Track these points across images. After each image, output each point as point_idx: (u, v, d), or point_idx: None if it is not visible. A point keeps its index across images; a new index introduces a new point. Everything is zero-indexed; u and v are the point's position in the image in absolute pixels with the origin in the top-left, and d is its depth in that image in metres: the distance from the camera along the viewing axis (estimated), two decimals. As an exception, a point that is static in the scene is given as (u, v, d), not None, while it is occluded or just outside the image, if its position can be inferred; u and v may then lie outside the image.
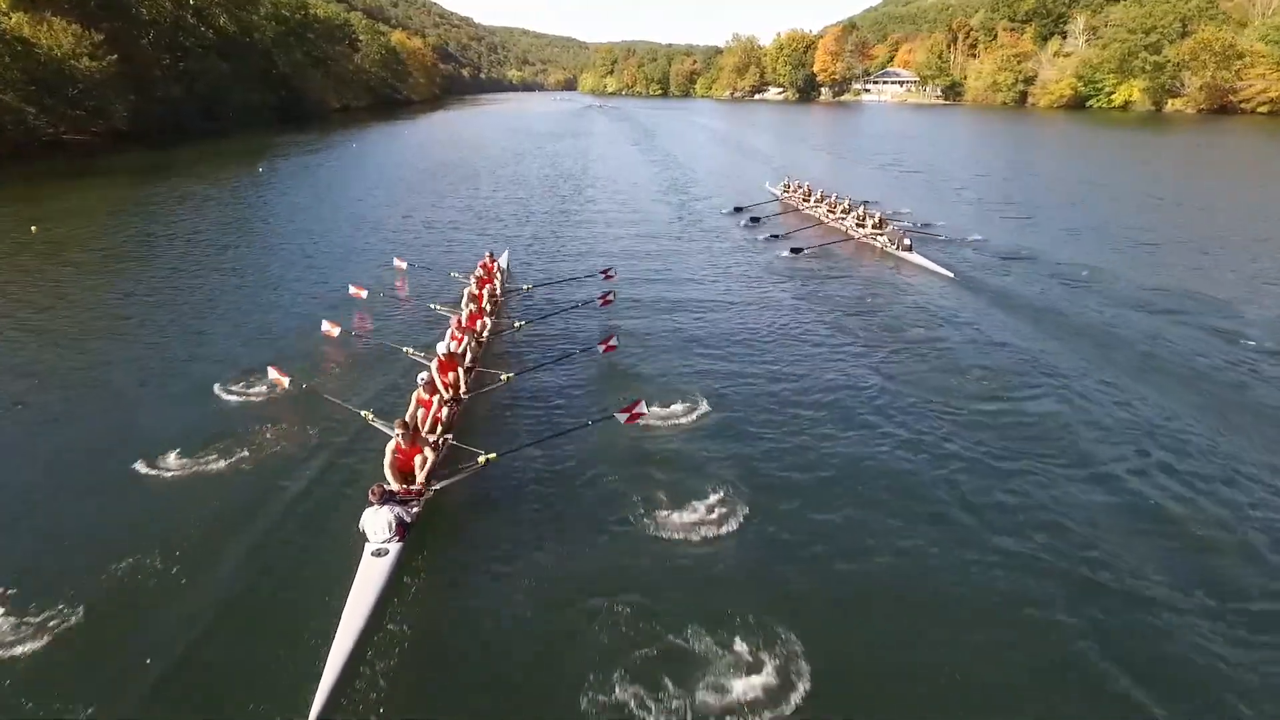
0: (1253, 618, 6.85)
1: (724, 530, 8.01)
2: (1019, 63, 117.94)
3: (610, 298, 15.39)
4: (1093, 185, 35.88)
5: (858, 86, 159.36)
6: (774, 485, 8.94)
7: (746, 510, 8.31)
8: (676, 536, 7.92)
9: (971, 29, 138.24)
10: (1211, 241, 22.65)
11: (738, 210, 27.24)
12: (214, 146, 55.37)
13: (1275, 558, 7.66)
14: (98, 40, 52.92)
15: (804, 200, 27.11)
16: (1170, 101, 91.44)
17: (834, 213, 24.24)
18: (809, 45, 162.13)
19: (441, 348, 11.05)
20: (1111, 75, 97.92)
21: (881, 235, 20.84)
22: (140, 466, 9.22)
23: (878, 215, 22.05)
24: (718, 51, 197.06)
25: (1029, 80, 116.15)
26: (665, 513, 8.25)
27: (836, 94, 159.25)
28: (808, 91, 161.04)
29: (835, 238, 22.19)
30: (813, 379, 12.15)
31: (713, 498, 8.48)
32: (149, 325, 15.02)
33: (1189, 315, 15.24)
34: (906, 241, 19.79)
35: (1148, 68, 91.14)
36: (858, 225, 22.23)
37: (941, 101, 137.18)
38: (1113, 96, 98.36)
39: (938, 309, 15.78)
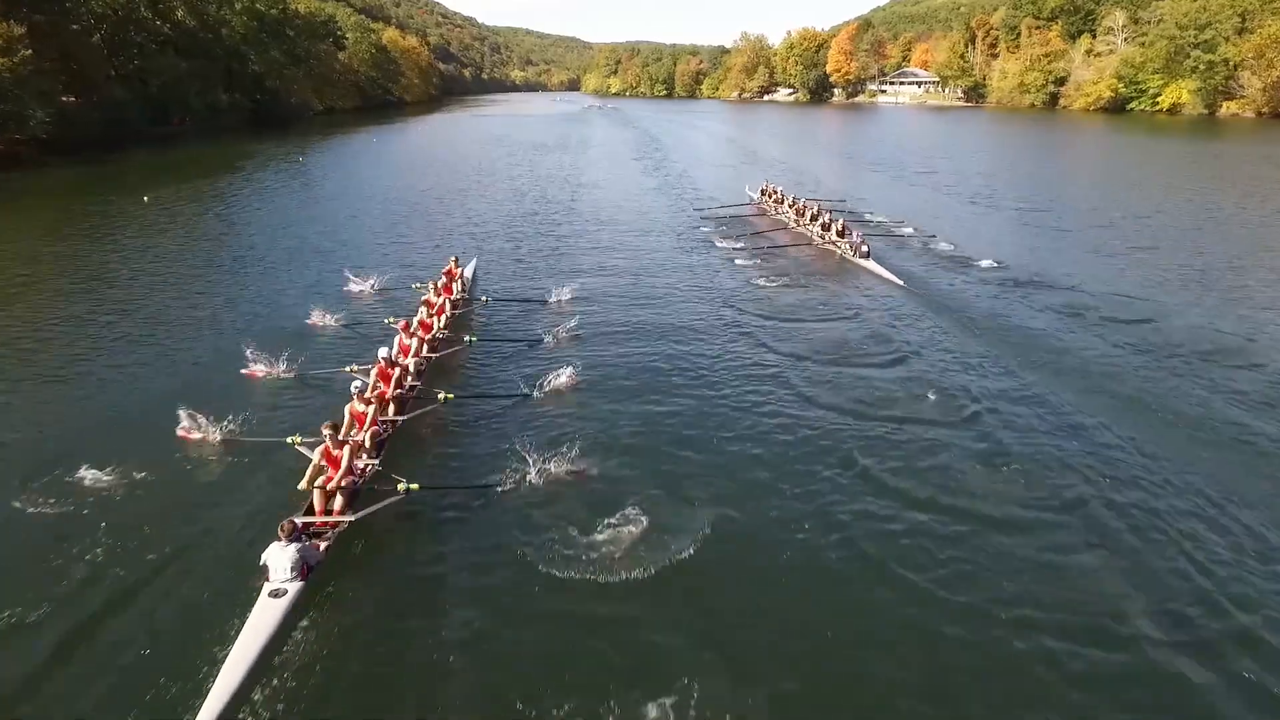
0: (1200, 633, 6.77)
1: (650, 572, 7.56)
2: (1049, 62, 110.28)
3: (573, 324, 14.70)
4: (1136, 199, 32.43)
5: (873, 88, 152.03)
6: (712, 519, 8.53)
7: (675, 543, 8.03)
8: (606, 585, 7.41)
9: (992, 27, 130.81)
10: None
11: (703, 213, 27.84)
12: (144, 158, 48.38)
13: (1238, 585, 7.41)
14: (17, 34, 45.50)
15: (776, 205, 27.49)
16: (1225, 104, 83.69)
17: (801, 218, 24.62)
18: (821, 44, 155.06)
19: (383, 352, 10.85)
20: (1156, 76, 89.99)
21: (842, 242, 21.09)
22: (25, 505, 8.64)
23: (840, 222, 22.15)
24: (724, 51, 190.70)
25: (1060, 81, 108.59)
26: (595, 559, 7.75)
27: (850, 95, 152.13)
28: (820, 93, 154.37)
29: (798, 243, 23.00)
30: (747, 397, 11.88)
31: (639, 540, 8.04)
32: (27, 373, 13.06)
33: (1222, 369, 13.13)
34: (865, 249, 20.15)
35: (1200, 67, 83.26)
36: (821, 232, 22.53)
37: (963, 103, 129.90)
38: (1158, 99, 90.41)
39: (880, 317, 15.79)
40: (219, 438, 10.07)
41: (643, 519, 8.27)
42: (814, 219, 23.51)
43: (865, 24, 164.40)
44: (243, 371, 12.34)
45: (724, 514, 8.60)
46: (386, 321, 14.23)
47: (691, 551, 7.89)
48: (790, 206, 26.22)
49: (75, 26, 56.42)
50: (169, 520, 8.41)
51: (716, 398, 11.87)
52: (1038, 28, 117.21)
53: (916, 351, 13.66)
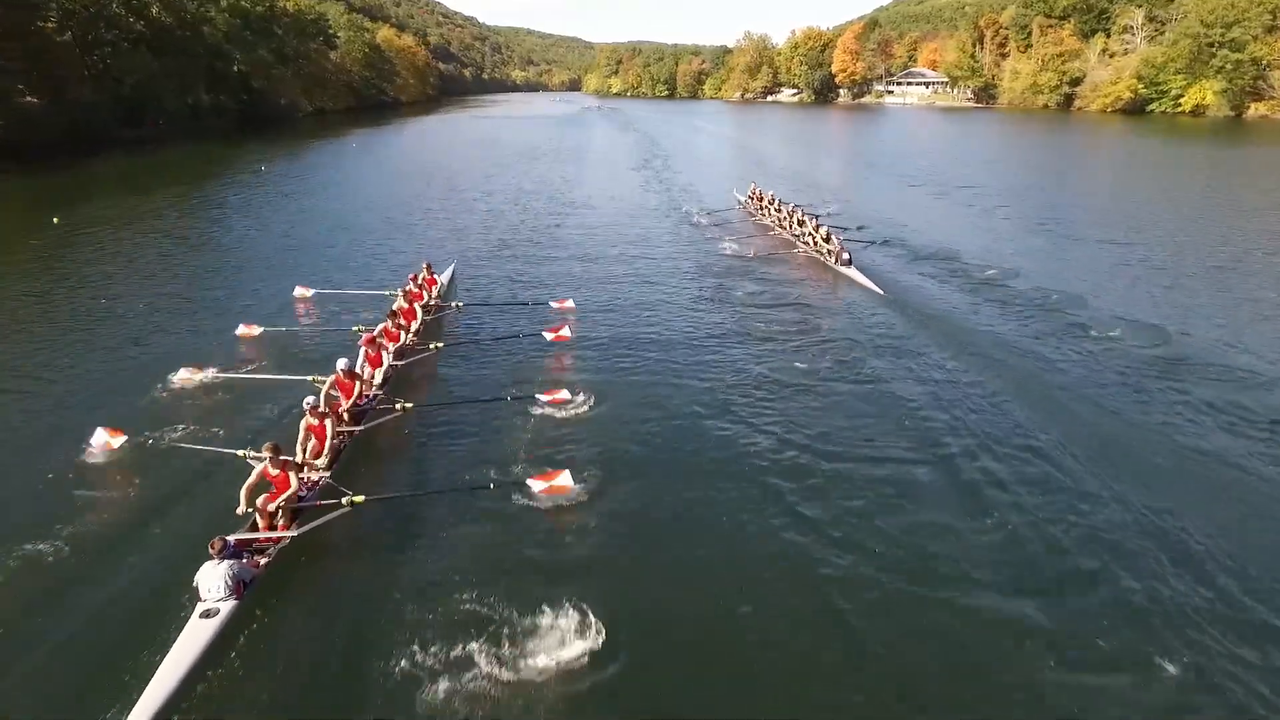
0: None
1: (600, 589, 7.31)
2: (1063, 62, 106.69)
3: (563, 332, 14.13)
4: (1162, 208, 30.57)
5: (879, 88, 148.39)
6: (665, 534, 8.41)
7: (627, 557, 7.92)
8: (554, 601, 7.09)
9: (1001, 26, 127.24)
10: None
11: (689, 218, 27.53)
12: (102, 166, 44.79)
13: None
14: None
15: (762, 209, 27.00)
16: (1253, 105, 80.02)
17: (787, 223, 24.17)
18: (826, 44, 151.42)
19: (342, 363, 10.45)
20: (1179, 76, 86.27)
21: (825, 248, 20.69)
22: None
23: (824, 228, 21.58)
24: (727, 51, 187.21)
25: (1075, 81, 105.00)
26: (545, 574, 7.55)
27: (856, 96, 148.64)
28: (824, 93, 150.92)
29: (783, 248, 22.59)
30: (711, 413, 11.38)
31: (590, 553, 7.91)
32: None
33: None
34: (846, 256, 19.69)
35: (1226, 67, 79.55)
36: (805, 237, 22.21)
37: (973, 104, 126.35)
38: (1180, 100, 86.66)
39: (854, 328, 15.49)
40: (168, 447, 9.84)
41: (594, 532, 8.15)
42: (799, 224, 23.08)
43: (871, 23, 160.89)
44: (189, 377, 11.94)
45: (680, 529, 8.48)
46: (353, 329, 13.64)
47: (645, 568, 7.77)
48: (776, 210, 25.62)
49: (43, 24, 53.17)
50: (108, 535, 8.20)
51: (681, 410, 11.45)
52: (1049, 27, 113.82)
53: (884, 365, 13.30)
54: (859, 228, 24.81)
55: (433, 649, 6.57)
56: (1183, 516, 8.60)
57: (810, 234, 21.78)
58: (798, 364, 13.26)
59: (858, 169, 47.79)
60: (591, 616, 6.90)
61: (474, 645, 6.60)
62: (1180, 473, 9.67)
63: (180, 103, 64.13)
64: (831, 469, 9.68)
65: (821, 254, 20.73)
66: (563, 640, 6.65)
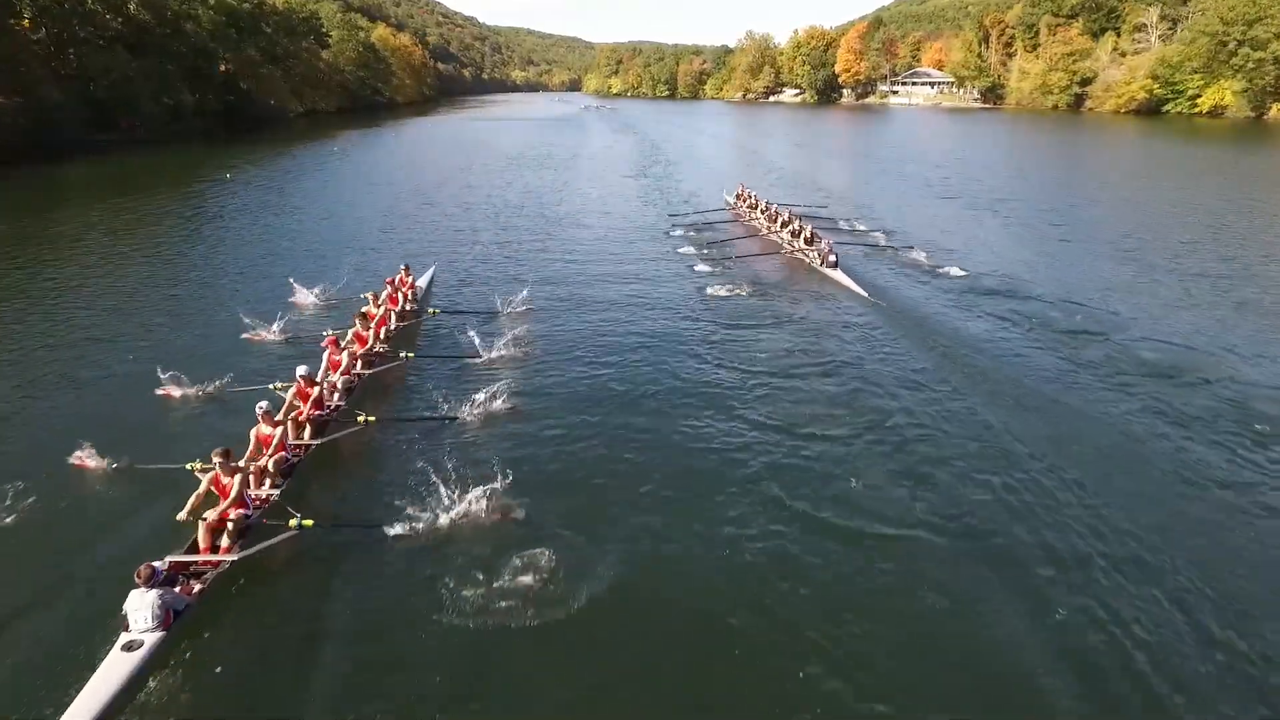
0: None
1: (556, 621, 6.89)
2: (1073, 62, 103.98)
3: (531, 347, 13.73)
4: (1175, 210, 29.28)
5: (884, 88, 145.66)
6: (628, 562, 7.83)
7: (585, 589, 7.31)
8: (504, 636, 6.74)
9: (1007, 26, 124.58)
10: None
11: (675, 219, 26.95)
12: (55, 172, 42.28)
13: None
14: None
15: (749, 210, 26.63)
16: (1275, 106, 77.22)
17: (773, 225, 23.69)
18: (830, 44, 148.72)
19: (302, 370, 10.03)
20: (1196, 75, 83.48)
21: (810, 250, 20.27)
22: None
23: (809, 229, 21.22)
24: (728, 51, 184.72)
25: (1085, 81, 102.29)
26: (498, 609, 7.01)
27: (860, 96, 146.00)
28: (828, 93, 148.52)
29: (768, 250, 22.09)
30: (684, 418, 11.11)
31: (548, 587, 7.31)
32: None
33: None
34: (832, 258, 19.25)
35: (1247, 65, 76.74)
36: (790, 239, 21.81)
37: (980, 105, 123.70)
38: (1198, 100, 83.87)
39: (837, 332, 15.06)
40: (115, 466, 9.33)
41: (555, 565, 7.58)
42: (784, 225, 22.70)
43: (876, 22, 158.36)
44: (157, 392, 11.48)
45: (642, 554, 8.01)
46: (325, 333, 12.77)
47: (601, 600, 7.26)
48: (762, 212, 25.20)
49: (15, 20, 50.69)
50: (41, 559, 7.73)
51: (656, 424, 11.02)
52: (1058, 26, 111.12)
53: (866, 370, 13.06)
54: (853, 230, 24.22)
55: (371, 691, 6.21)
56: (1170, 529, 8.36)
57: (796, 236, 21.37)
58: (769, 367, 12.99)
59: (864, 171, 45.17)
60: (552, 656, 6.59)
61: (420, 691, 6.22)
62: (1180, 484, 9.34)
63: (158, 104, 61.39)
64: (792, 474, 9.46)
65: (807, 256, 20.32)
66: (519, 691, 6.30)
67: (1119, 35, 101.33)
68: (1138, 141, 65.00)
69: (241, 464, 8.15)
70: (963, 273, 19.35)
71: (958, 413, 11.21)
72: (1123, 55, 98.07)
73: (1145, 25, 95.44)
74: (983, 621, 6.95)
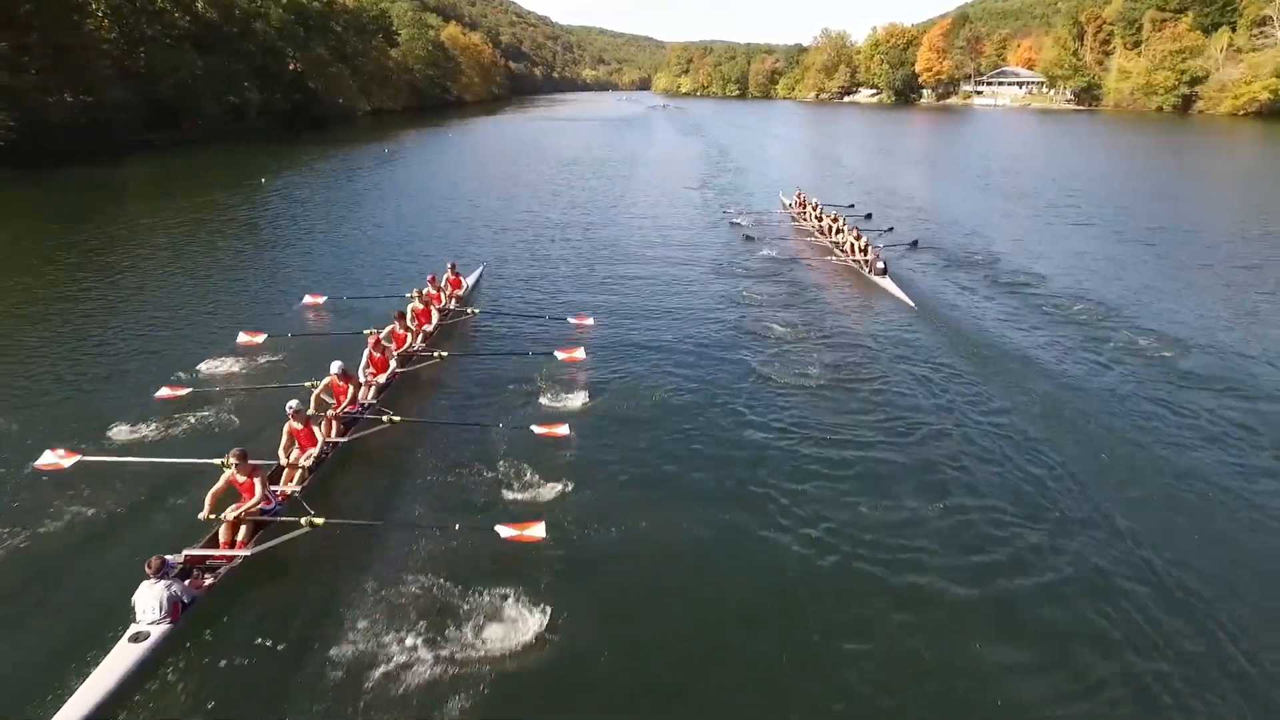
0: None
1: (568, 644, 6.72)
2: (1182, 59, 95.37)
3: (577, 354, 13.04)
4: None
5: (967, 89, 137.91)
6: (656, 589, 7.59)
7: (608, 611, 7.21)
8: (506, 653, 6.57)
9: (1105, 21, 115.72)
10: None
11: (733, 224, 26.91)
12: (102, 174, 41.54)
13: None
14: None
15: (804, 213, 26.71)
16: None
17: (826, 230, 23.56)
18: (910, 41, 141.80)
19: (337, 366, 10.10)
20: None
21: (861, 256, 19.89)
22: None
23: (862, 237, 20.67)
24: (801, 50, 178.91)
25: (1195, 81, 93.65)
26: (502, 621, 6.87)
27: (941, 97, 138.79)
28: (906, 94, 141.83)
29: (819, 256, 21.96)
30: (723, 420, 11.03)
31: (564, 604, 7.10)
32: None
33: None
34: (880, 265, 18.90)
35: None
36: (841, 244, 21.52)
37: (1073, 107, 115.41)
38: (1334, 102, 75.27)
39: (879, 337, 14.78)
40: (146, 457, 9.30)
41: (566, 581, 7.50)
42: (837, 231, 22.66)
43: (961, 19, 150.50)
44: (177, 393, 11.22)
45: (655, 561, 7.93)
46: (365, 333, 12.66)
47: (615, 612, 7.21)
48: (816, 216, 25.21)
49: (85, 18, 51.33)
50: (63, 550, 7.85)
51: (687, 439, 10.52)
52: (1164, 21, 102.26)
53: (900, 381, 12.46)
54: (913, 244, 23.23)
55: (371, 689, 6.17)
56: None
57: (848, 241, 21.10)
58: (806, 375, 12.69)
59: (955, 182, 40.72)
60: (557, 673, 6.45)
61: (420, 692, 6.16)
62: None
63: (219, 103, 61.62)
64: (827, 484, 9.28)
65: (857, 262, 19.98)
66: (519, 697, 6.20)
67: (1234, 30, 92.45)
68: (1265, 148, 58.04)
69: (265, 462, 8.36)
70: (1037, 287, 18.37)
71: (1013, 436, 10.54)
72: (1239, 52, 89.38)
73: (1270, 19, 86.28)
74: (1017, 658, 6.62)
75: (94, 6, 53.13)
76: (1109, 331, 14.88)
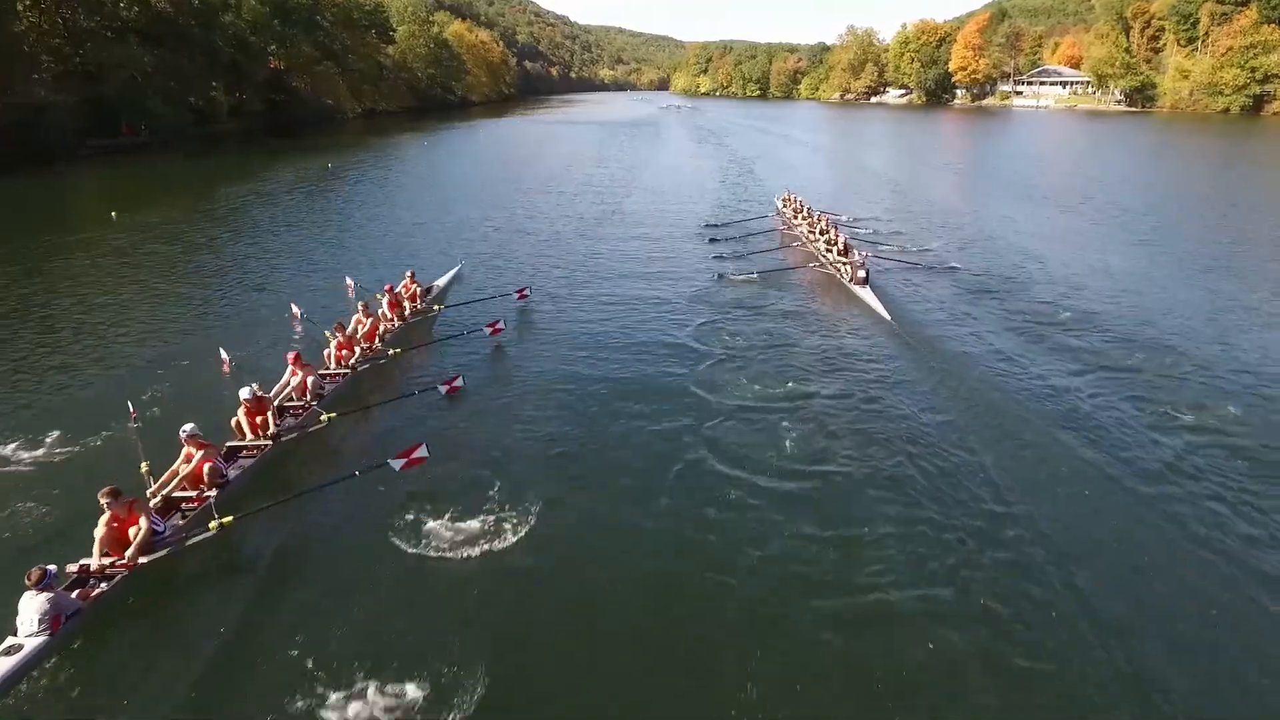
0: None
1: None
2: (1254, 56, 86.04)
3: (499, 325, 13.80)
4: None
5: (1005, 89, 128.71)
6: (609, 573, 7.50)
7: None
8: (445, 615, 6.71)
9: (1154, 17, 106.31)
10: None
11: (714, 227, 25.47)
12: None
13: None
14: None
15: (794, 217, 25.12)
16: None
17: (813, 233, 22.07)
18: (943, 38, 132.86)
19: (245, 392, 9.67)
20: None
21: (843, 263, 18.60)
22: None
23: (843, 240, 19.55)
24: (825, 49, 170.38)
25: (1270, 78, 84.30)
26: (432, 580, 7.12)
27: (976, 97, 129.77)
28: (938, 94, 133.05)
29: (802, 262, 20.76)
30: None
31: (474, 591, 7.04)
32: None
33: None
34: (861, 274, 17.76)
35: None
36: (825, 249, 20.17)
37: (1124, 108, 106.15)
38: None
39: (855, 354, 13.69)
40: (44, 461, 9.43)
41: (501, 568, 7.38)
42: (822, 234, 21.02)
43: (999, 13, 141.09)
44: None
45: (578, 549, 7.82)
46: (326, 334, 12.38)
47: (541, 605, 7.02)
48: (804, 220, 23.86)
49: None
50: None
51: (622, 435, 10.46)
52: (1223, 15, 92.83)
53: (861, 406, 11.46)
54: (918, 254, 21.73)
55: (259, 694, 5.97)
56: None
57: (829, 245, 19.98)
58: (751, 390, 11.77)
59: (1017, 204, 32.62)
60: (479, 660, 6.26)
61: (315, 695, 5.91)
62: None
63: (176, 105, 54.79)
64: (768, 505, 8.64)
65: (838, 270, 18.61)
66: (440, 690, 5.98)
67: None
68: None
69: (160, 482, 8.20)
70: (1047, 305, 16.66)
71: (972, 470, 9.38)
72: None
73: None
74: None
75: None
76: (1110, 361, 13.03)
